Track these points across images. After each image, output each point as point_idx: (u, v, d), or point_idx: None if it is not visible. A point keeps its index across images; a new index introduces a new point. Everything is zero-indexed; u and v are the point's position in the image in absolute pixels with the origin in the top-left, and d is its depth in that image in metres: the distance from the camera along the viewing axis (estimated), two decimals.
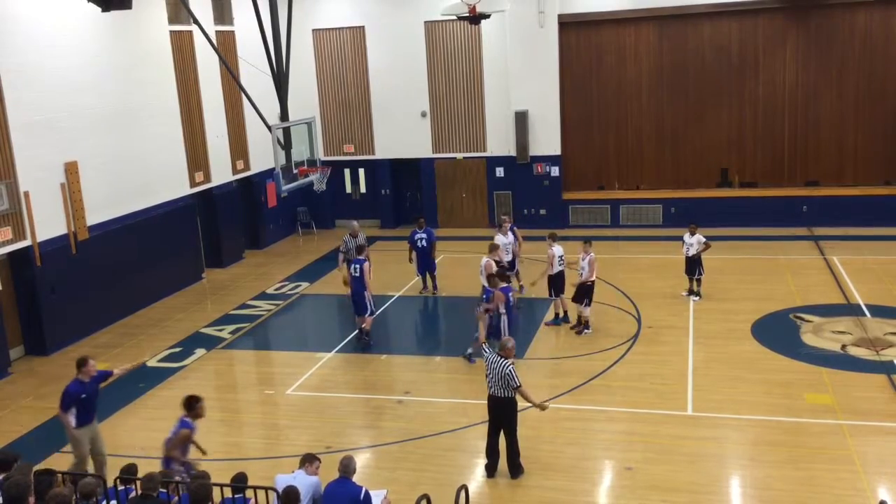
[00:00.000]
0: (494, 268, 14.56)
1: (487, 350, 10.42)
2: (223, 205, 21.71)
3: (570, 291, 15.66)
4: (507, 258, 16.28)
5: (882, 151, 22.61)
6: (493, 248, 15.36)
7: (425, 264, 18.10)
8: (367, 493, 7.57)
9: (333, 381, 13.98)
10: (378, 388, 13.58)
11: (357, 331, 15.47)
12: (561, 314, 15.96)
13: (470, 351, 14.08)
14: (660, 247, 21.17)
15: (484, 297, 13.67)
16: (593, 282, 15.12)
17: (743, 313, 15.72)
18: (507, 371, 9.90)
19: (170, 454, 9.05)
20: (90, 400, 10.25)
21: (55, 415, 12.97)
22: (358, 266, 14.99)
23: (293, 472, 8.12)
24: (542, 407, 10.34)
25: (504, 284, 13.80)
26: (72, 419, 10.04)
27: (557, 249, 15.63)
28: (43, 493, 6.82)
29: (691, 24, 23.16)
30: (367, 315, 15.10)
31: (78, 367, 10.23)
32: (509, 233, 16.89)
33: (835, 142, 22.91)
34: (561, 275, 15.69)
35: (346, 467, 7.82)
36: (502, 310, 13.40)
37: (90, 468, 10.27)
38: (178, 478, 8.50)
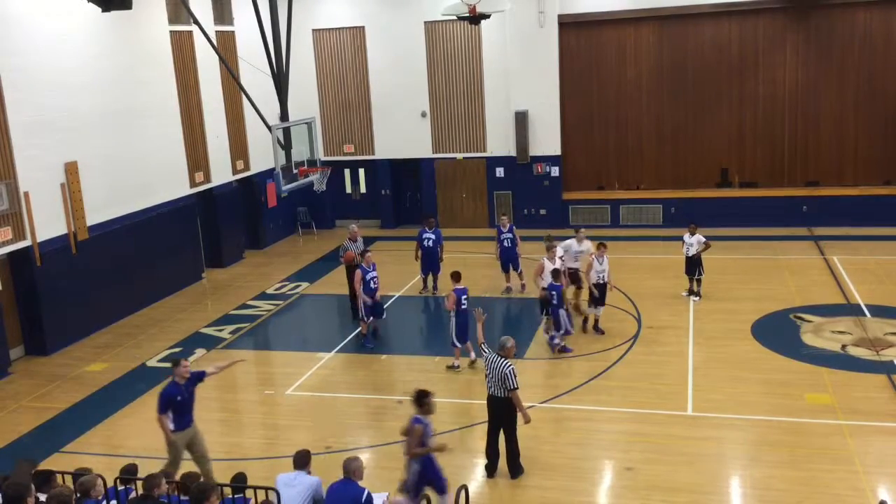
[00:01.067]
0: (548, 267, 14.69)
1: (487, 350, 10.40)
2: (223, 205, 21.71)
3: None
4: (574, 264, 15.89)
5: (882, 151, 22.60)
6: (550, 248, 15.28)
7: (429, 264, 18.10)
8: (369, 495, 7.55)
9: (333, 381, 13.98)
10: (378, 388, 13.58)
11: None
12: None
13: (553, 336, 14.49)
14: (660, 247, 21.17)
15: (554, 292, 14.12)
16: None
17: (743, 313, 15.72)
18: (507, 372, 9.90)
19: (413, 455, 8.81)
20: (186, 403, 9.91)
21: (55, 415, 13.07)
22: (376, 275, 15.48)
23: (293, 472, 8.10)
24: (525, 418, 10.12)
25: (460, 286, 14.02)
26: (169, 423, 9.74)
27: (560, 250, 15.63)
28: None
29: (691, 24, 23.16)
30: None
31: (173, 367, 10.01)
32: (585, 241, 16.15)
33: (835, 142, 22.91)
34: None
35: (348, 468, 7.80)
36: (452, 309, 13.84)
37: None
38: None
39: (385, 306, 16.65)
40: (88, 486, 7.40)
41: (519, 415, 10.08)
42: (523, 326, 16.02)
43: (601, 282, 15.04)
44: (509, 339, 10.31)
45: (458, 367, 13.90)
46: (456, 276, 14.24)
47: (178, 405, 9.81)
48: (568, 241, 16.09)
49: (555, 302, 14.19)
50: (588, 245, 15.91)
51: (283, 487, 7.83)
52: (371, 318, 15.36)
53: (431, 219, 18.62)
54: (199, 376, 10.21)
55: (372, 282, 15.20)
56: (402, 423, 11.97)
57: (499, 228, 18.03)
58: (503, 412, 10.12)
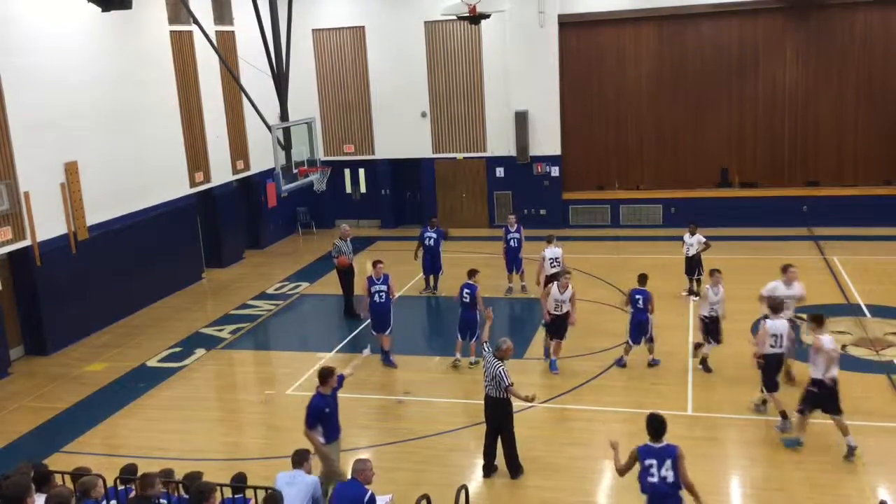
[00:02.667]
0: (555, 294, 13.55)
1: (487, 350, 10.40)
2: (223, 205, 21.71)
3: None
4: (785, 314, 11.84)
5: (882, 151, 22.60)
6: (564, 275, 13.89)
7: (431, 263, 18.10)
8: (372, 496, 7.55)
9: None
10: (378, 388, 13.57)
11: (382, 350, 14.50)
12: None
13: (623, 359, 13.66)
14: (660, 247, 21.15)
15: (640, 297, 13.44)
16: None
17: (743, 313, 15.65)
18: (498, 372, 9.90)
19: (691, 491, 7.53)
20: (334, 413, 9.44)
21: (55, 415, 13.06)
22: (386, 287, 14.18)
23: (292, 472, 8.10)
24: (529, 399, 10.12)
25: (469, 281, 14.00)
26: (319, 437, 9.26)
27: (550, 251, 15.63)
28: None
29: (691, 24, 23.17)
30: (388, 332, 14.33)
31: (322, 379, 9.33)
32: (795, 283, 12.56)
33: (835, 142, 22.91)
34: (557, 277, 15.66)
35: (354, 469, 7.79)
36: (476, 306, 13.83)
37: None
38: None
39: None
40: (89, 486, 7.39)
41: (531, 408, 10.13)
42: (524, 326, 16.01)
43: (714, 314, 13.27)
44: (505, 341, 10.26)
45: (459, 360, 14.00)
46: (468, 273, 14.24)
47: (326, 417, 9.33)
48: (772, 285, 12.56)
49: (640, 306, 13.29)
50: (799, 288, 12.53)
51: (284, 486, 7.83)
52: (377, 332, 14.32)
53: (434, 218, 18.66)
54: (340, 381, 9.64)
55: (377, 295, 14.08)
56: (401, 424, 12.06)
57: (506, 228, 17.85)
58: (499, 412, 10.12)
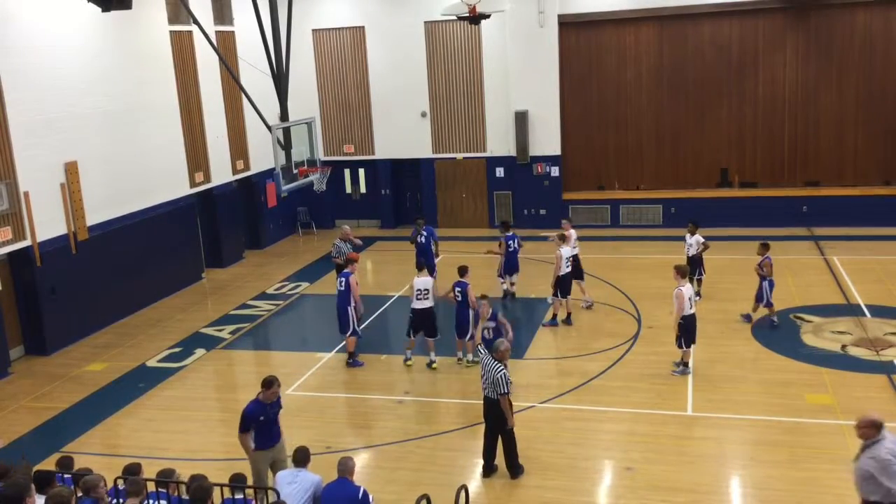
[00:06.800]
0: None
1: (483, 352, 10.38)
2: (223, 205, 21.71)
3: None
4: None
5: (882, 151, 22.60)
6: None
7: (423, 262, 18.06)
8: (365, 493, 7.58)
9: (333, 381, 13.97)
10: (378, 388, 13.57)
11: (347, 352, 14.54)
12: (563, 316, 15.87)
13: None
14: (660, 247, 21.16)
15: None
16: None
17: (743, 313, 15.72)
18: (498, 377, 9.88)
19: None
20: (270, 423, 9.43)
21: (55, 415, 13.07)
22: (343, 280, 14.22)
23: (294, 470, 8.10)
24: (509, 422, 10.11)
25: (461, 279, 13.96)
26: (251, 442, 9.30)
27: (565, 251, 15.58)
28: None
29: (691, 24, 23.16)
30: (348, 335, 14.34)
31: (264, 387, 9.37)
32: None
33: (835, 142, 22.91)
34: (569, 276, 15.64)
35: (344, 468, 7.80)
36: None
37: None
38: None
39: (383, 307, 16.45)
40: (90, 485, 7.36)
41: (530, 409, 10.11)
42: (524, 327, 16.01)
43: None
44: (503, 343, 10.29)
45: (461, 357, 14.07)
46: (459, 270, 14.23)
47: (260, 425, 9.35)
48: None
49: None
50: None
51: (284, 485, 7.83)
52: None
53: (420, 219, 18.56)
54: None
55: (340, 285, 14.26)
56: (401, 424, 12.06)
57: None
58: (498, 414, 10.10)
